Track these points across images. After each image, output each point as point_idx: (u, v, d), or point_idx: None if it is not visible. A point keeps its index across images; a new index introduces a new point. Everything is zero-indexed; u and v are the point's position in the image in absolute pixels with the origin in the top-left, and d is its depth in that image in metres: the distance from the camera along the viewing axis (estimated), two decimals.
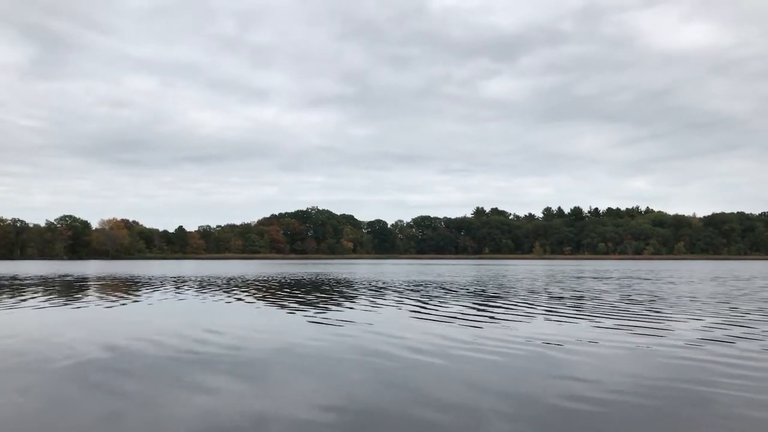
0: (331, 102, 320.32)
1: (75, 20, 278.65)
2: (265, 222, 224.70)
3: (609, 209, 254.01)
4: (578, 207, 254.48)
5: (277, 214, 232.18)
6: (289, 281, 33.41)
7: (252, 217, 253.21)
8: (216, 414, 5.94)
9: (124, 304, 18.44)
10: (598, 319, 14.01)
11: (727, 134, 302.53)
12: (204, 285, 29.13)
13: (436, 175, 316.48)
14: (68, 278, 37.38)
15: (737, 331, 11.96)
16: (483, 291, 24.68)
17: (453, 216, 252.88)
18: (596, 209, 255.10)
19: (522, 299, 19.99)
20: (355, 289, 25.74)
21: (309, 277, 39.54)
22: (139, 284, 30.00)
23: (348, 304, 18.54)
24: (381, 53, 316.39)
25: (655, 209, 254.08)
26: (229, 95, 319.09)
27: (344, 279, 36.19)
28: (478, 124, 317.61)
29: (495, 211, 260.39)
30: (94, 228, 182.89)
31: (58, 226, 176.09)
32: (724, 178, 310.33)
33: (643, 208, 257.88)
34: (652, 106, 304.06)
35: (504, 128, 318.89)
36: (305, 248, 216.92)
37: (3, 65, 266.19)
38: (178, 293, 23.32)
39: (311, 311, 16.15)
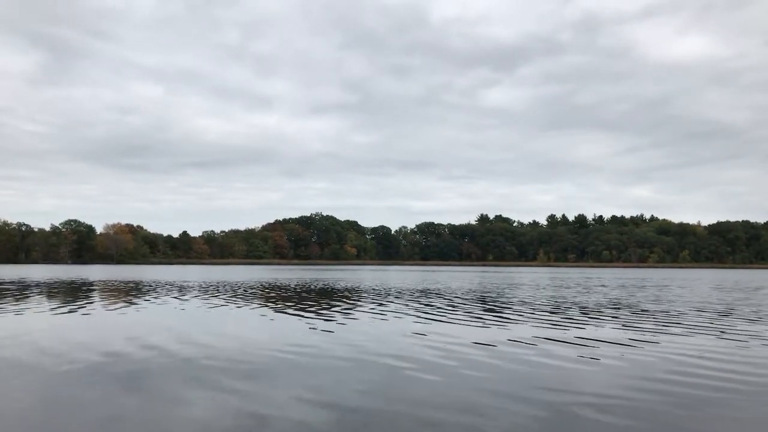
0: (334, 110, 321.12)
1: (82, 29, 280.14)
2: (268, 227, 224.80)
3: (613, 217, 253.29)
4: (582, 214, 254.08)
5: (280, 219, 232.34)
6: (293, 287, 33.46)
7: (256, 222, 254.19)
8: (218, 417, 6.01)
9: (128, 309, 18.53)
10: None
11: (726, 143, 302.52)
12: (208, 290, 29.21)
13: (437, 181, 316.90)
14: (74, 282, 37.53)
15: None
16: (488, 299, 24.70)
17: (456, 222, 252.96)
18: (600, 217, 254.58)
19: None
20: (360, 295, 25.77)
21: (313, 282, 39.58)
22: (144, 289, 30.10)
23: (352, 309, 18.57)
24: (382, 62, 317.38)
25: (659, 217, 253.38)
26: (233, 102, 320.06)
27: (349, 285, 36.22)
28: (479, 132, 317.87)
29: (499, 218, 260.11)
30: (98, 232, 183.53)
31: (63, 230, 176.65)
32: (726, 186, 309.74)
33: (646, 216, 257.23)
34: (651, 116, 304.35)
35: (505, 136, 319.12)
36: (309, 254, 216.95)
37: (11, 72, 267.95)
38: (183, 298, 23.41)
39: (315, 316, 16.20)
